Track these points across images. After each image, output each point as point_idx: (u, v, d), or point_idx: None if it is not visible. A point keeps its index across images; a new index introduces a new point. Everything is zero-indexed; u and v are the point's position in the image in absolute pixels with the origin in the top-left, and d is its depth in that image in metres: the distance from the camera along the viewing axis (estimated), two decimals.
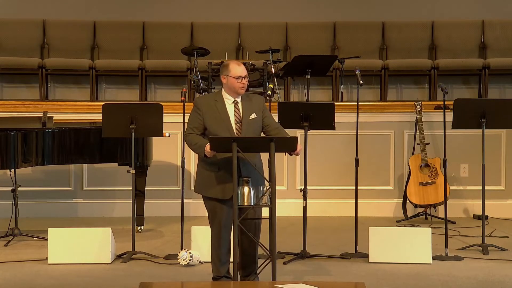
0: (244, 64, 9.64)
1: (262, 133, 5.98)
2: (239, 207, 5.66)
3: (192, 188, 9.33)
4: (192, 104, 9.52)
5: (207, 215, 8.94)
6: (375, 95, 10.87)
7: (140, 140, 8.17)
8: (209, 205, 5.91)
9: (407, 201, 9.12)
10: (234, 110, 5.87)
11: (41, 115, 8.09)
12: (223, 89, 5.95)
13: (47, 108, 8.99)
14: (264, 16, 11.10)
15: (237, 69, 5.88)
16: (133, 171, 7.39)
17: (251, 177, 5.70)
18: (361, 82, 7.43)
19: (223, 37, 10.91)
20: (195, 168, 9.27)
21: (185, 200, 7.61)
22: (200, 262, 6.99)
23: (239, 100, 5.91)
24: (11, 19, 10.85)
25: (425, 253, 7.02)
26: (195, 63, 9.73)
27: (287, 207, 9.13)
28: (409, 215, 9.12)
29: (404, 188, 9.17)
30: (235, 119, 5.85)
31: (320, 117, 7.31)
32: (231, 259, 5.84)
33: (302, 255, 7.22)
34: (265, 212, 5.85)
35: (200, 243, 7.03)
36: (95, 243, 7.04)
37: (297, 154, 5.86)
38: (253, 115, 5.89)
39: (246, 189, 5.65)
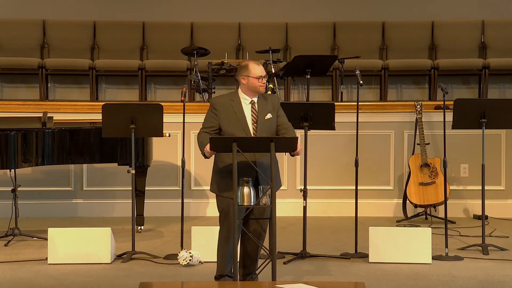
0: None
1: None
2: (240, 207, 5.66)
3: (192, 188, 9.43)
4: (192, 104, 9.61)
5: (208, 215, 8.96)
6: (375, 95, 10.87)
7: (140, 140, 8.17)
8: (222, 204, 5.90)
9: (407, 201, 9.12)
10: (252, 110, 5.88)
11: (41, 115, 8.09)
12: (240, 89, 5.95)
13: (47, 108, 8.98)
14: (264, 16, 11.10)
15: (257, 69, 5.90)
16: (133, 171, 7.39)
17: (263, 178, 5.69)
18: (361, 82, 7.43)
19: (223, 37, 10.91)
20: (195, 168, 9.39)
21: (185, 200, 7.60)
22: (200, 262, 6.99)
23: (256, 100, 5.91)
24: (11, 19, 10.85)
25: (425, 253, 7.02)
26: (195, 63, 9.73)
27: (287, 207, 9.13)
28: (409, 215, 9.11)
29: (404, 188, 9.17)
30: (252, 119, 5.86)
31: (320, 117, 7.31)
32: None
33: (302, 255, 7.22)
34: None
35: (200, 243, 7.03)
36: (95, 243, 7.04)
37: (297, 154, 5.86)
38: (269, 115, 5.90)
39: (246, 189, 5.65)
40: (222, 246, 5.94)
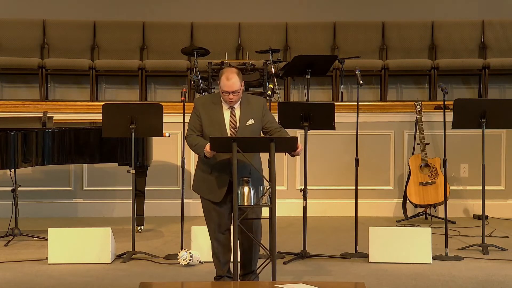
0: (244, 64, 9.68)
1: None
2: (239, 207, 5.66)
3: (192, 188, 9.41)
4: (192, 104, 9.59)
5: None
6: (375, 95, 10.87)
7: (140, 140, 8.17)
8: (204, 205, 5.94)
9: (407, 201, 9.12)
10: (230, 116, 5.84)
11: (41, 115, 8.09)
12: None
13: (47, 108, 8.98)
14: (264, 16, 11.10)
15: (224, 84, 5.75)
16: (133, 171, 7.39)
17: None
18: (361, 82, 7.44)
19: (223, 37, 10.92)
20: (195, 168, 9.38)
21: (185, 200, 7.61)
22: (200, 262, 6.99)
23: (235, 105, 5.86)
24: (11, 19, 10.85)
25: (425, 253, 7.02)
26: (195, 63, 9.73)
27: (287, 207, 9.13)
28: (409, 215, 9.11)
29: (404, 188, 9.17)
30: (230, 125, 5.82)
31: (320, 117, 7.31)
32: (232, 259, 5.85)
33: (302, 255, 7.22)
34: (265, 212, 5.85)
35: (200, 243, 7.03)
36: (95, 243, 7.04)
37: (297, 155, 5.85)
38: (251, 121, 5.84)
39: (246, 189, 5.65)
40: (213, 247, 5.98)
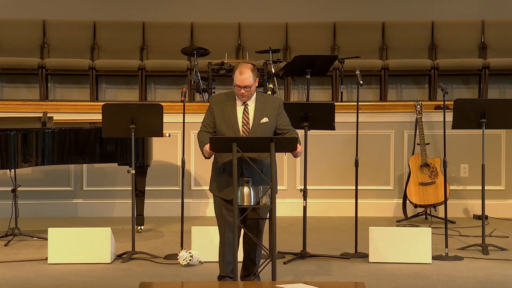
0: None
1: None
2: (240, 207, 5.66)
3: (192, 188, 9.43)
4: (192, 104, 9.62)
5: (208, 215, 8.98)
6: (375, 95, 10.87)
7: (140, 140, 8.17)
8: (216, 204, 5.92)
9: (407, 201, 9.12)
10: (243, 113, 5.84)
11: (41, 115, 8.09)
12: None
13: (47, 108, 8.99)
14: (264, 16, 11.10)
15: (237, 77, 5.79)
16: (133, 171, 7.39)
17: (254, 178, 5.69)
18: (361, 82, 7.43)
19: (223, 37, 10.92)
20: (195, 168, 9.40)
21: (185, 200, 7.60)
22: (200, 262, 6.99)
23: (249, 102, 5.87)
24: (11, 19, 10.85)
25: (425, 253, 7.02)
26: (195, 63, 9.73)
27: (287, 207, 9.13)
28: (409, 215, 9.11)
29: (404, 188, 9.17)
30: (242, 121, 5.82)
31: (320, 117, 7.31)
32: (239, 260, 5.85)
33: (302, 255, 7.22)
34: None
35: (200, 243, 7.03)
36: (95, 243, 7.04)
37: (298, 155, 5.84)
38: (265, 119, 5.83)
39: (246, 189, 5.65)
40: (220, 246, 5.96)
